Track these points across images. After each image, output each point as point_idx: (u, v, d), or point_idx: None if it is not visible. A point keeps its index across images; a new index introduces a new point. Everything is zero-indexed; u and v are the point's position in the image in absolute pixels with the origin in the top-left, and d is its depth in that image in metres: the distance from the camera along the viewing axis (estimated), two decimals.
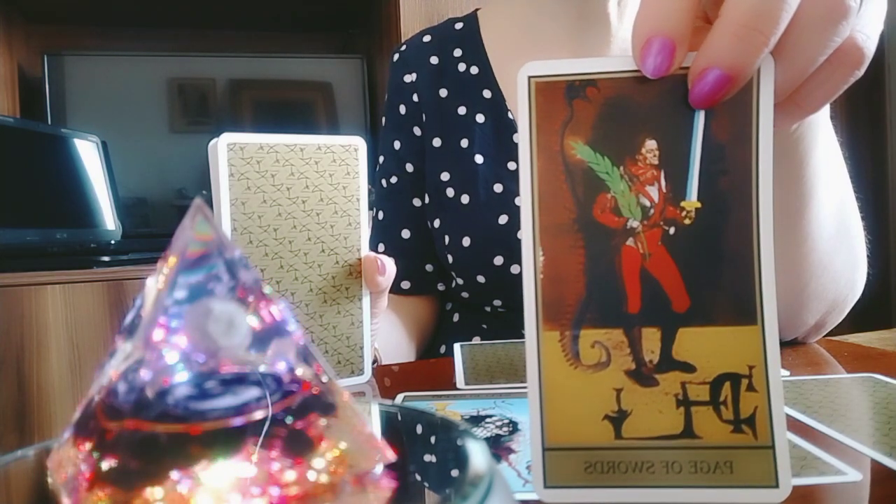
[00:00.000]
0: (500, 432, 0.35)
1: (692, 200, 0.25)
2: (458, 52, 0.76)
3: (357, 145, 0.46)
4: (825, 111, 0.42)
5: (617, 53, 0.71)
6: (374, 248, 0.76)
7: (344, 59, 1.81)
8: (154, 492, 0.16)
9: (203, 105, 1.70)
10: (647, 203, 0.26)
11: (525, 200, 0.26)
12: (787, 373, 0.45)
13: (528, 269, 0.26)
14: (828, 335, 0.57)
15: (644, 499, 0.25)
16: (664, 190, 0.25)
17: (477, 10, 0.80)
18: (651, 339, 0.26)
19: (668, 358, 0.25)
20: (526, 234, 0.26)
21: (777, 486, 0.24)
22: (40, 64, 1.57)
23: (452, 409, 0.40)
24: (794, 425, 0.34)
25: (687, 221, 0.25)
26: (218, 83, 1.70)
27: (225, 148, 0.41)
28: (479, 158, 0.71)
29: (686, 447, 0.25)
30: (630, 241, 0.26)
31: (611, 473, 0.25)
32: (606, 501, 0.25)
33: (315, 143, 0.44)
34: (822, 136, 0.42)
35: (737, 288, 0.25)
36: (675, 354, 0.25)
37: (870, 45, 0.27)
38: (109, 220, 1.47)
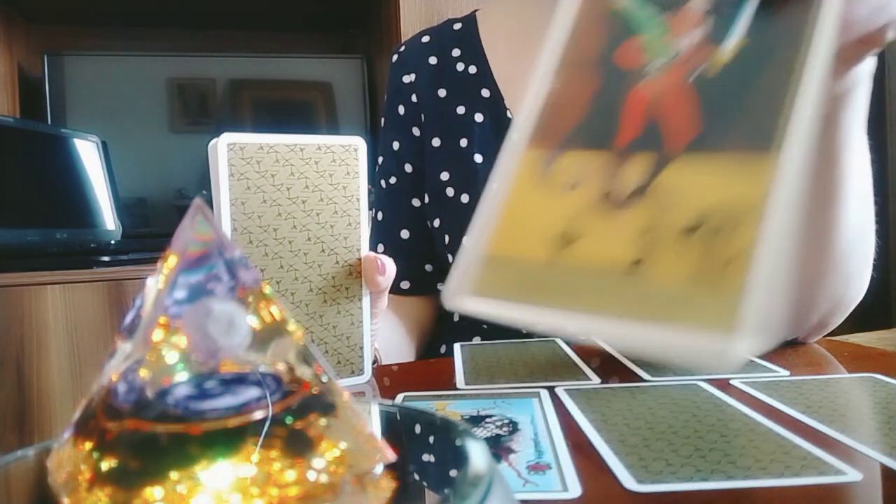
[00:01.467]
0: (500, 432, 0.35)
1: (734, 40, 0.24)
2: (456, 52, 0.77)
3: (357, 145, 0.46)
4: (864, 111, 0.42)
5: None
6: (373, 248, 0.76)
7: (344, 59, 1.81)
8: (154, 492, 0.16)
9: (203, 105, 1.69)
10: (677, 47, 0.25)
11: (555, 32, 0.26)
12: (787, 373, 0.45)
13: (532, 97, 0.25)
14: (828, 335, 0.57)
15: (571, 322, 0.23)
16: (702, 33, 0.24)
17: (476, 11, 0.81)
18: (638, 166, 0.24)
19: (650, 187, 0.23)
20: (542, 65, 0.25)
21: (732, 333, 0.20)
22: (40, 64, 1.57)
23: (452, 409, 0.40)
24: (795, 425, 0.34)
25: (722, 61, 0.24)
26: (218, 83, 1.70)
27: (225, 148, 0.41)
28: (478, 158, 0.71)
29: (634, 279, 0.23)
30: (645, 81, 0.25)
31: (542, 293, 0.23)
32: (532, 319, 0.24)
33: (315, 143, 0.44)
34: (858, 130, 0.43)
35: (761, 115, 0.22)
36: (661, 184, 0.23)
37: None
38: (109, 220, 1.47)
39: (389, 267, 0.47)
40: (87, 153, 1.45)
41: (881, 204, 0.52)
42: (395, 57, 0.80)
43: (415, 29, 1.42)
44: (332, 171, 0.45)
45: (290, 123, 1.75)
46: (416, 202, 0.76)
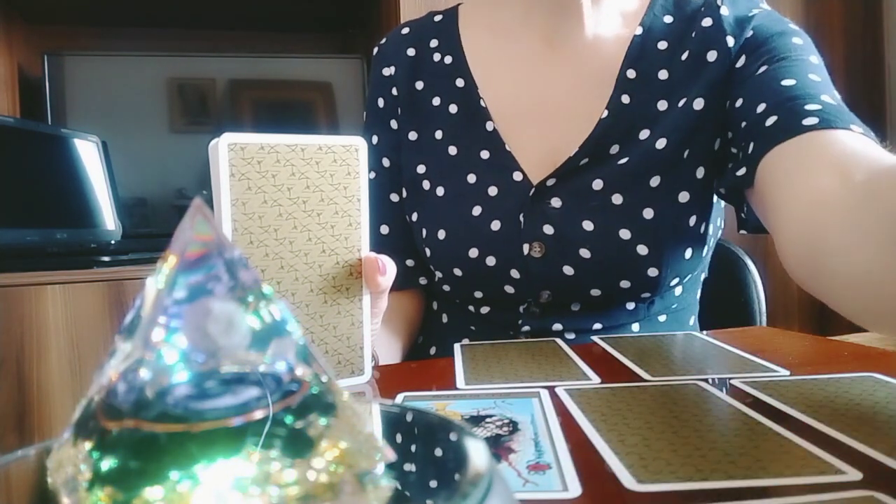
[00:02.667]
0: (500, 432, 0.35)
1: None
2: (434, 43, 0.77)
3: (358, 145, 0.46)
4: None
5: (592, 41, 0.71)
6: None
7: (344, 59, 1.81)
8: (154, 492, 0.16)
9: (203, 105, 1.69)
10: None
11: None
12: (787, 373, 0.45)
13: None
14: (827, 335, 0.57)
15: None
16: None
17: (459, 5, 0.81)
18: None
19: None
20: None
21: None
22: (40, 64, 1.57)
23: (452, 409, 0.40)
24: (795, 424, 0.34)
25: None
26: (218, 83, 1.70)
27: (226, 148, 0.41)
28: (452, 150, 0.72)
29: None
30: None
31: None
32: None
33: (316, 144, 0.44)
34: None
35: None
36: None
37: None
38: (109, 220, 1.47)
39: (390, 267, 0.47)
40: (87, 153, 1.45)
41: None
42: (375, 49, 0.81)
43: None
44: (332, 172, 0.45)
45: (290, 123, 1.75)
46: (394, 197, 0.76)
